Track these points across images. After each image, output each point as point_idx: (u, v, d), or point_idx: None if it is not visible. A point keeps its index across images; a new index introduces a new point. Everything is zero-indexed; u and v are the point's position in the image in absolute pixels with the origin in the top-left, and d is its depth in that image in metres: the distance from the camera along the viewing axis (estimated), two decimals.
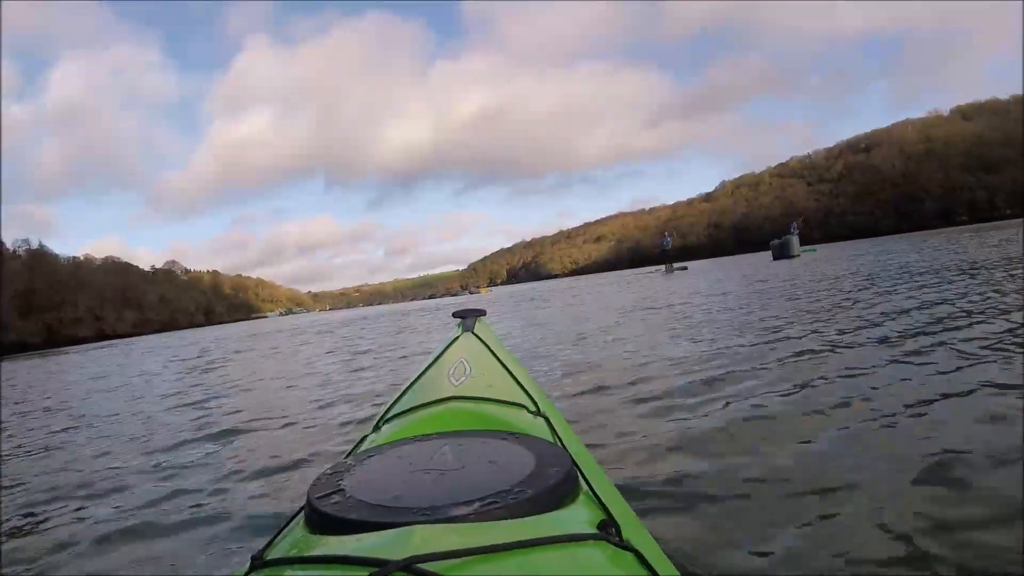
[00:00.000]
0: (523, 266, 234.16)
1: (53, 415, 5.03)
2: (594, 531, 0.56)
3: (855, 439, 1.85)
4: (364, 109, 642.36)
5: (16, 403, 6.56)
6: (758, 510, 1.44)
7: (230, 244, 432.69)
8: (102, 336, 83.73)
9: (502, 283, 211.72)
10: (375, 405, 3.36)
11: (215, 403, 4.43)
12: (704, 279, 14.39)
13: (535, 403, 1.06)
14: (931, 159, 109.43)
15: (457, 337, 1.38)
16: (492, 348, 1.31)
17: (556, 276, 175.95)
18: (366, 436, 1.04)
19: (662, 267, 26.54)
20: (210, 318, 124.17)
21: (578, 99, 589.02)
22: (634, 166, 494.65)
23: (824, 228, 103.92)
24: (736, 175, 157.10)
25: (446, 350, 1.31)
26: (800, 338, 3.77)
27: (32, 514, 2.19)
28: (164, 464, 2.68)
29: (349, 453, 0.93)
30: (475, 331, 1.41)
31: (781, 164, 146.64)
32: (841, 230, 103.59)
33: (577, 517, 0.60)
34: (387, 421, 1.08)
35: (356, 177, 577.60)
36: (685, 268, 27.35)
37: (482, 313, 1.52)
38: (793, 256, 22.15)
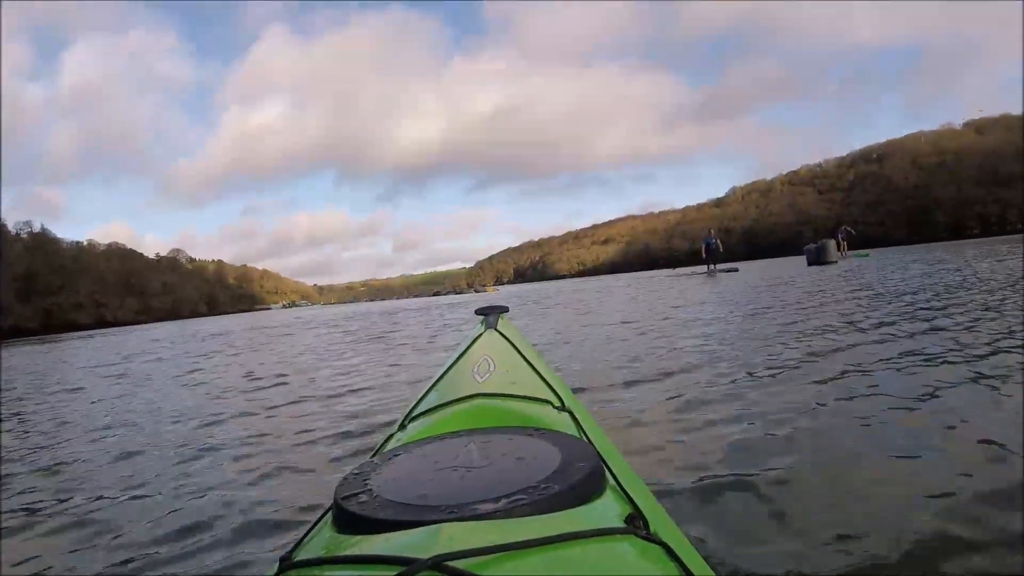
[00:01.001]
0: (530, 266, 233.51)
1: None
2: (622, 525, 0.56)
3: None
4: (378, 104, 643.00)
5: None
6: (789, 508, 1.43)
7: (239, 233, 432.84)
8: (103, 323, 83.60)
9: (508, 282, 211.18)
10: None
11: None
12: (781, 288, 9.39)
13: (560, 398, 1.05)
14: (943, 171, 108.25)
15: (480, 334, 1.37)
16: (515, 344, 1.31)
17: (563, 277, 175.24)
18: (392, 435, 1.03)
19: (705, 268, 24.07)
20: (213, 308, 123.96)
21: (591, 100, 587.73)
22: (645, 169, 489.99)
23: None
24: (747, 181, 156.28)
25: (470, 347, 1.31)
26: None
27: (41, 515, 2.06)
28: (182, 467, 2.47)
29: (375, 452, 0.94)
30: (498, 328, 1.40)
31: (792, 172, 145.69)
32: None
33: (604, 511, 0.61)
34: (412, 419, 1.08)
35: (367, 171, 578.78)
36: (736, 270, 24.14)
37: (505, 310, 1.52)
38: (830, 262, 20.87)
